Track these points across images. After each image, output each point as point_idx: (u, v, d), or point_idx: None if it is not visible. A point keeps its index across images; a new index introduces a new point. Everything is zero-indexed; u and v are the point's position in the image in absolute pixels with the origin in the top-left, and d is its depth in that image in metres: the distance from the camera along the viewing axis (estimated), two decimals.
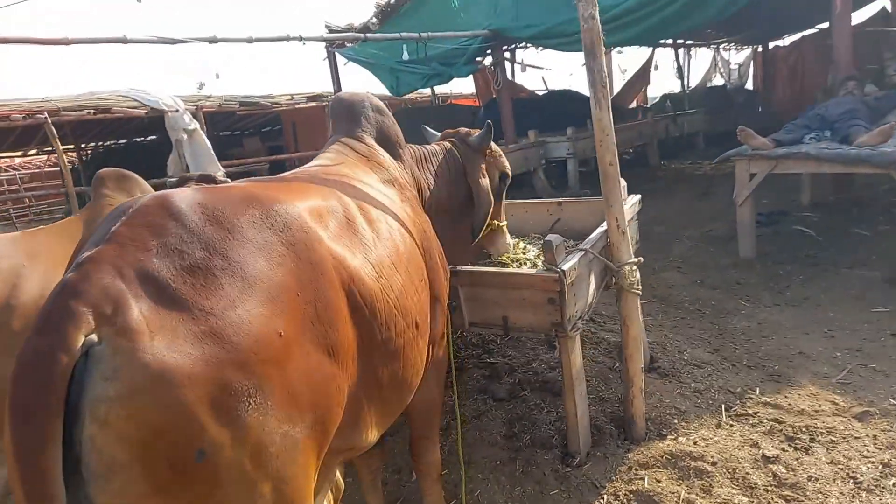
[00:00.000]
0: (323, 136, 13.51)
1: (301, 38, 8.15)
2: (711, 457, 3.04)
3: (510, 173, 3.39)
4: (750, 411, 3.43)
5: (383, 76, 12.25)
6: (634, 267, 3.14)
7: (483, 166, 3.20)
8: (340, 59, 12.24)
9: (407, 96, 18.58)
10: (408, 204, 2.47)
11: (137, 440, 1.11)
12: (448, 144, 3.21)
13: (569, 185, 10.57)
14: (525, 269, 3.00)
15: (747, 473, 2.93)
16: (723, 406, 3.49)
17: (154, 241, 1.31)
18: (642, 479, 2.95)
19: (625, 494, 2.88)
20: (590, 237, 3.23)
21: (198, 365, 1.18)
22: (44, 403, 1.07)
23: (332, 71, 12.19)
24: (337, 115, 2.71)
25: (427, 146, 3.13)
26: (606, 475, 3.01)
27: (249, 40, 7.90)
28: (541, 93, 16.18)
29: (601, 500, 2.88)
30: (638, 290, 3.15)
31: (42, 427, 1.06)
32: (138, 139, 18.90)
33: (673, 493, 2.85)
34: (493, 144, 3.28)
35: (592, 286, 3.15)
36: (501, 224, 3.35)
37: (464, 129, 3.31)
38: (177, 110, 13.64)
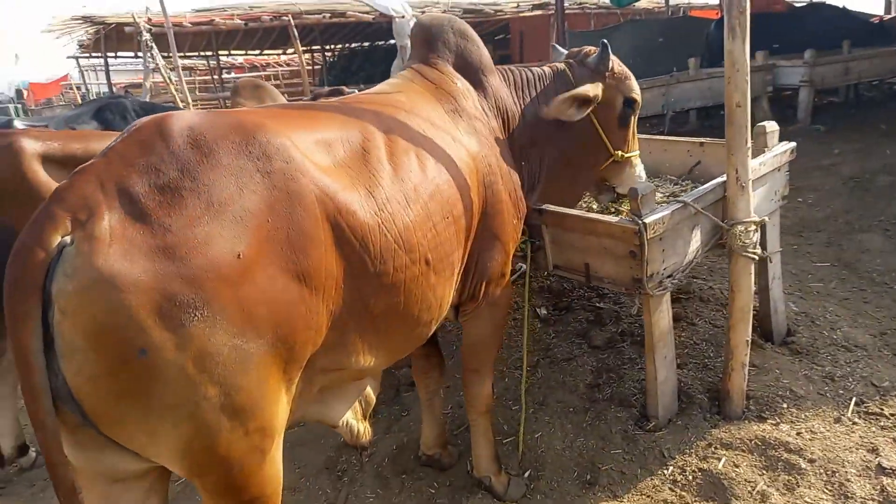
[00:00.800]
0: (548, 45, 13.17)
1: None
2: (812, 453, 2.66)
3: (639, 98, 3.01)
4: (887, 412, 2.90)
5: None
6: (752, 227, 2.73)
7: (601, 87, 2.84)
8: None
9: (639, 6, 17.28)
10: (473, 136, 2.37)
11: (88, 331, 1.28)
12: (561, 66, 2.95)
13: (798, 119, 9.22)
14: (607, 216, 2.75)
15: (848, 480, 2.53)
16: (854, 399, 2.99)
17: (139, 160, 1.45)
18: (718, 458, 2.69)
19: (692, 471, 2.66)
20: (702, 187, 2.85)
21: (145, 274, 1.31)
22: (24, 288, 1.28)
23: None
24: (416, 40, 2.64)
25: (533, 68, 2.92)
26: (679, 447, 2.78)
27: None
28: (800, 5, 14.03)
29: (664, 471, 2.68)
30: (753, 253, 2.75)
31: (23, 306, 1.28)
32: (380, 42, 19.92)
33: (748, 481, 2.57)
34: (617, 65, 2.93)
35: (695, 243, 2.80)
36: (628, 155, 3.01)
37: (586, 49, 2.99)
38: (403, 16, 14.14)
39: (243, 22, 13.10)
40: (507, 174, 2.47)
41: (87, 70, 27.14)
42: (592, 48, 2.95)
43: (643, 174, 3.17)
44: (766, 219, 2.82)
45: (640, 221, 2.49)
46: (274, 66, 26.99)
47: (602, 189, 3.15)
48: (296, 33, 13.49)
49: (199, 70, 28.63)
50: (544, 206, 2.84)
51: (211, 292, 1.38)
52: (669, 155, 3.67)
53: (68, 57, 18.49)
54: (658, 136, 3.79)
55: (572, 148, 2.89)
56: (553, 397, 3.14)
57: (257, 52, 19.12)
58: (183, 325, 1.34)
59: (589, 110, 2.71)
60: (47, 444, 1.33)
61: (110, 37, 13.21)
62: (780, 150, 3.11)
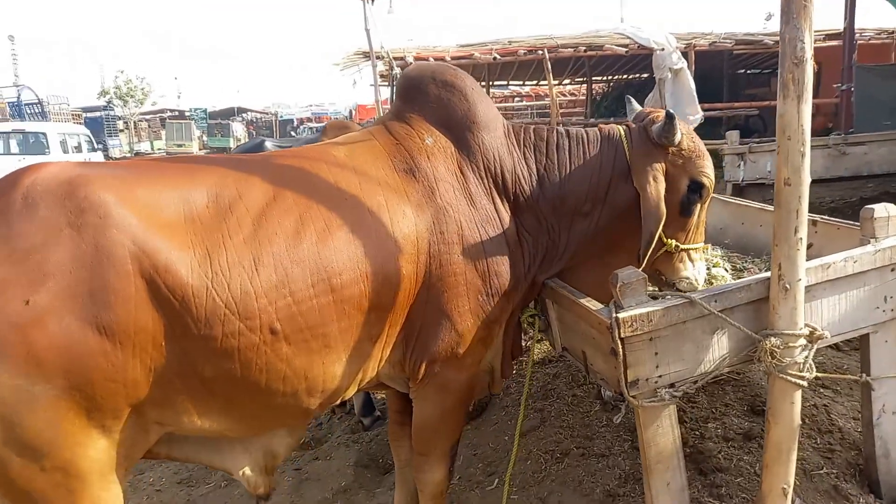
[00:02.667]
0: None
1: None
2: None
3: (710, 182, 2.48)
4: None
5: None
6: (796, 341, 2.07)
7: (662, 167, 2.42)
8: None
9: None
10: (427, 200, 2.18)
11: None
12: (616, 130, 2.53)
13: None
14: (588, 302, 2.29)
15: None
16: None
17: None
18: None
19: None
20: (735, 281, 2.24)
21: None
22: None
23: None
24: (397, 92, 2.50)
25: (572, 129, 2.56)
26: None
27: None
28: None
29: None
30: (796, 376, 2.08)
31: None
32: (642, 75, 19.23)
33: None
34: (687, 139, 2.44)
35: (718, 350, 2.19)
36: (685, 247, 2.52)
37: (653, 111, 2.51)
38: (662, 49, 13.49)
39: (500, 56, 13.65)
40: (474, 245, 2.22)
41: None
42: (659, 112, 2.48)
43: (702, 272, 2.63)
44: (825, 334, 2.09)
45: (612, 315, 2.05)
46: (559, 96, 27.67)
47: (659, 282, 2.65)
48: (549, 66, 13.70)
49: (497, 98, 30.61)
50: (549, 280, 2.49)
51: None
52: (768, 229, 2.94)
53: (370, 84, 21.07)
54: (757, 205, 3.05)
55: (616, 229, 2.49)
56: (558, 496, 2.72)
57: (520, 82, 19.65)
58: None
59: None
60: None
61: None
62: (893, 243, 2.29)
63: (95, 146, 20.59)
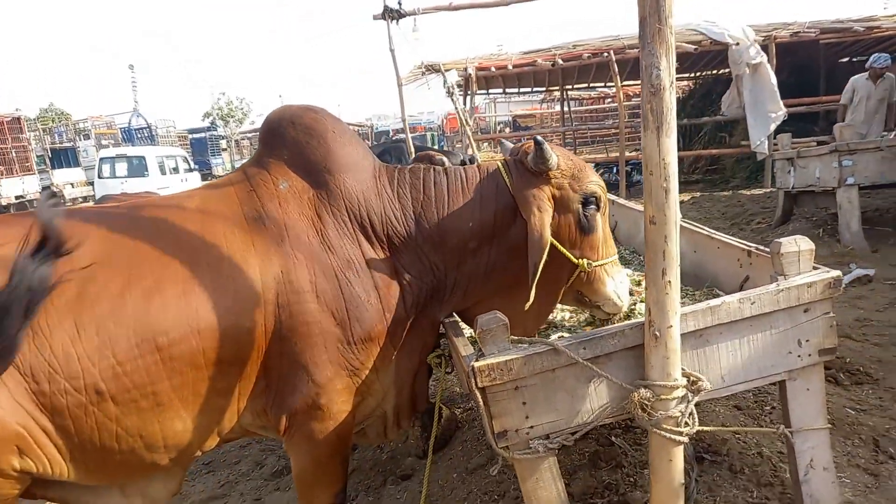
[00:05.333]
0: None
1: None
2: None
3: (601, 191, 2.42)
4: None
5: None
6: (671, 392, 1.89)
7: (546, 194, 2.37)
8: None
9: None
10: (276, 248, 2.15)
11: None
12: (495, 166, 2.49)
13: None
14: (460, 340, 2.17)
15: None
16: None
17: None
18: None
19: None
20: (608, 327, 2.07)
21: None
22: None
23: None
24: (259, 137, 2.48)
25: (451, 170, 2.50)
26: None
27: None
28: None
29: None
30: (674, 432, 1.90)
31: None
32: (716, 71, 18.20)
33: None
34: (563, 160, 2.39)
35: (597, 399, 2.04)
36: (597, 264, 2.43)
37: (526, 145, 2.44)
38: (737, 43, 12.75)
39: (563, 60, 13.36)
40: (330, 292, 2.18)
41: (487, 102, 31.07)
42: (529, 144, 2.41)
43: (625, 283, 2.54)
44: (705, 385, 1.90)
45: (469, 364, 1.96)
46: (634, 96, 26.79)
47: (585, 304, 2.58)
48: (615, 69, 13.26)
49: (587, 100, 29.97)
50: (447, 319, 2.42)
51: None
52: (722, 260, 2.70)
53: (446, 95, 21.26)
54: (716, 234, 2.79)
55: (514, 264, 2.42)
56: None
57: (584, 85, 19.08)
58: None
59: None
60: None
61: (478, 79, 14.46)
62: (800, 281, 2.04)
63: (192, 166, 21.95)
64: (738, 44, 12.69)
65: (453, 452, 3.34)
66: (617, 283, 2.48)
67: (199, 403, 2.03)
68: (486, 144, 16.71)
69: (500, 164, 2.47)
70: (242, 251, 2.11)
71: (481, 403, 1.99)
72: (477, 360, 1.95)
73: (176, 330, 1.95)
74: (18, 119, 22.36)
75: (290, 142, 2.35)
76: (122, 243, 2.01)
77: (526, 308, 2.21)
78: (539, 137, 2.31)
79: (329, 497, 2.34)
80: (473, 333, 2.16)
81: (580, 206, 2.39)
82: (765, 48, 12.86)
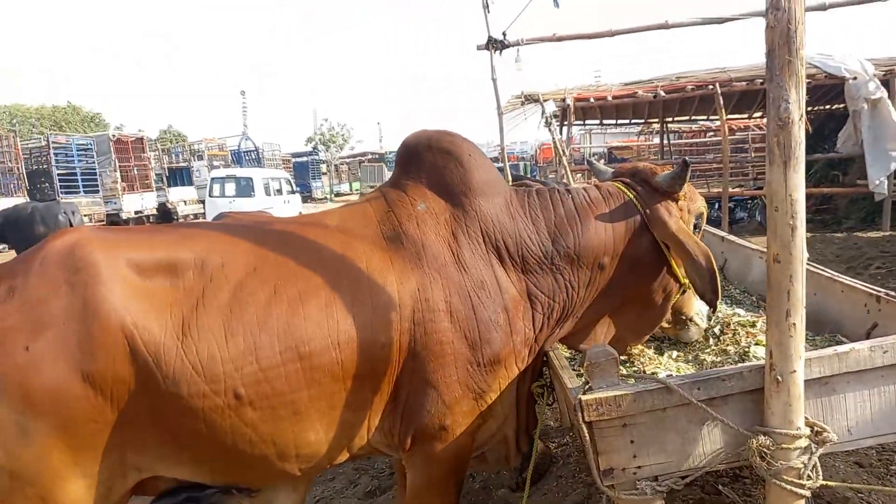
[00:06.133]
0: None
1: None
2: None
3: (706, 211, 2.62)
4: None
5: None
6: (794, 442, 1.79)
7: (675, 211, 2.46)
8: None
9: None
10: (413, 267, 2.20)
11: None
12: (616, 186, 2.54)
13: None
14: (566, 372, 2.12)
15: None
16: None
17: (20, 262, 2.02)
18: None
19: None
20: (726, 367, 1.97)
21: None
22: None
23: None
24: (396, 160, 2.55)
25: (579, 193, 2.52)
26: None
27: None
28: None
29: None
30: (796, 485, 1.79)
31: None
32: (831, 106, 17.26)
33: None
34: (686, 184, 2.49)
35: (710, 443, 1.95)
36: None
37: (645, 166, 2.53)
38: (854, 77, 12.12)
39: (666, 92, 13.10)
40: (464, 312, 2.21)
41: (583, 133, 30.90)
42: (652, 166, 2.44)
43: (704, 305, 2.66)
44: (831, 436, 1.78)
45: (577, 397, 1.93)
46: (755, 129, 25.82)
47: (679, 322, 2.67)
48: (721, 102, 12.85)
49: (687, 133, 29.28)
50: (549, 349, 2.39)
51: (0, 373, 1.79)
52: (846, 305, 2.53)
53: (542, 126, 21.21)
54: (840, 277, 2.62)
55: (639, 280, 2.51)
56: None
57: (685, 118, 18.56)
58: None
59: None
60: None
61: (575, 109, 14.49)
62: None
63: (294, 189, 22.87)
64: (855, 78, 12.07)
65: (548, 487, 3.28)
66: (698, 302, 2.58)
67: (334, 416, 2.09)
68: (579, 175, 16.58)
69: (621, 186, 2.52)
70: (381, 269, 2.18)
71: (587, 439, 1.95)
72: (584, 394, 1.92)
73: (318, 341, 2.02)
74: (142, 140, 24.14)
75: (429, 164, 2.43)
76: (269, 256, 2.11)
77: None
78: (687, 159, 2.41)
79: None
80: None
81: (692, 226, 2.50)
82: (885, 83, 12.16)
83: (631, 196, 2.47)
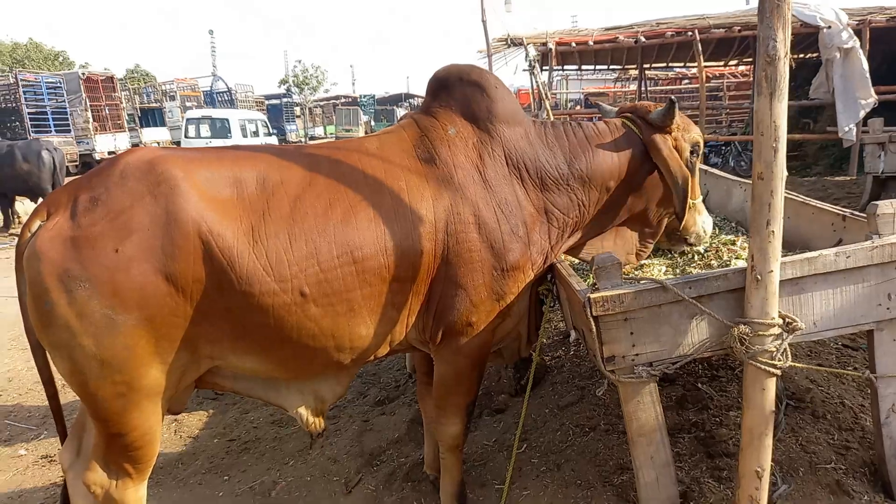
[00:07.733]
0: None
1: None
2: None
3: (702, 141, 2.89)
4: None
5: None
6: (769, 330, 2.14)
7: (669, 141, 2.79)
8: None
9: None
10: (445, 184, 2.47)
11: (28, 285, 2.10)
12: (619, 122, 2.85)
13: None
14: (574, 278, 2.46)
15: None
16: None
17: (95, 177, 2.22)
18: None
19: None
20: (715, 270, 2.31)
21: (56, 254, 2.04)
22: (18, 252, 2.18)
23: None
24: (427, 90, 2.80)
25: (589, 125, 2.82)
26: None
27: None
28: None
29: None
30: (769, 365, 2.15)
31: (17, 264, 2.18)
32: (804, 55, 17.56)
33: None
34: (679, 118, 2.81)
35: (696, 334, 2.30)
36: (693, 201, 2.88)
37: (642, 104, 2.83)
38: (829, 26, 12.40)
39: (646, 38, 13.28)
40: (490, 225, 2.50)
41: (559, 79, 30.77)
42: (649, 104, 2.78)
43: (709, 221, 3.04)
44: (798, 325, 2.14)
45: (585, 296, 2.26)
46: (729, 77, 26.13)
47: (673, 238, 3.04)
48: (699, 48, 13.08)
49: (663, 80, 29.52)
50: (556, 261, 2.71)
51: (92, 273, 2.03)
52: (816, 225, 2.89)
53: (523, 70, 21.16)
54: (810, 201, 2.98)
55: (637, 201, 2.86)
56: (571, 465, 2.93)
57: (663, 64, 18.82)
58: (71, 290, 2.02)
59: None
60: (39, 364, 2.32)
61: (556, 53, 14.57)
62: (894, 240, 2.25)
63: (271, 131, 22.70)
64: (829, 27, 12.34)
65: (544, 392, 3.66)
66: (704, 218, 2.95)
67: (381, 312, 2.40)
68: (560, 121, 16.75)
69: (624, 121, 2.84)
70: (418, 186, 2.45)
71: (593, 331, 2.28)
72: (592, 293, 2.25)
73: (368, 247, 2.31)
74: (112, 78, 23.62)
75: (459, 94, 2.69)
76: (321, 175, 2.38)
77: (681, 227, 2.88)
78: (674, 97, 2.72)
79: (462, 404, 2.70)
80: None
81: (689, 153, 2.81)
82: (858, 33, 12.45)
83: (634, 129, 2.79)
